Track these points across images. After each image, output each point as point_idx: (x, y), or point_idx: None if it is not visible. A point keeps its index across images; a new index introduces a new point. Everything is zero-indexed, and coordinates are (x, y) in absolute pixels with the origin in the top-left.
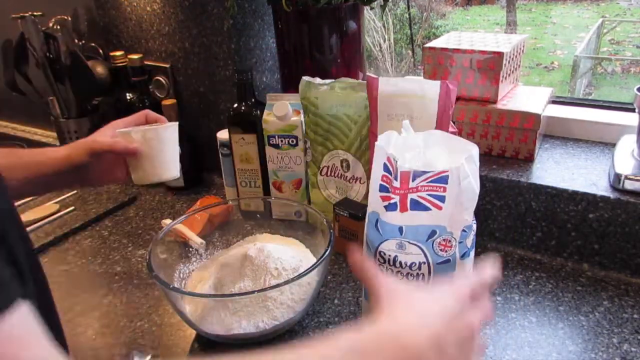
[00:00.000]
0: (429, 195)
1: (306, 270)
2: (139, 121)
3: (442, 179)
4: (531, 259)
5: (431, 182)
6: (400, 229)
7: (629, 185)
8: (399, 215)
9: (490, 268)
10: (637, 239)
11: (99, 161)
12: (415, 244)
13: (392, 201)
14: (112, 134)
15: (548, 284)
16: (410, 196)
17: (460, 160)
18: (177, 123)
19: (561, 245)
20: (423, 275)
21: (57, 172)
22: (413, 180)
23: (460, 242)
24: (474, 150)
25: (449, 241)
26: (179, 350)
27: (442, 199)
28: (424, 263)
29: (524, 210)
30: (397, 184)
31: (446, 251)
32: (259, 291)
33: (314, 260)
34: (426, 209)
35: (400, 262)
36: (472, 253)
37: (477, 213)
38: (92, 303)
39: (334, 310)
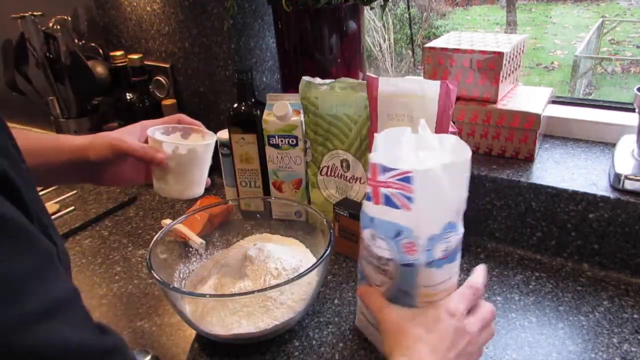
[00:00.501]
0: (400, 193)
1: (306, 270)
2: (170, 124)
3: (406, 179)
4: (531, 259)
5: (398, 180)
6: (372, 220)
7: (629, 185)
8: (374, 207)
9: (479, 277)
10: (637, 239)
11: (120, 161)
12: (383, 239)
13: (368, 190)
14: (141, 136)
15: (548, 284)
16: (382, 190)
17: (436, 164)
18: (213, 141)
19: (561, 245)
20: (390, 272)
21: (74, 160)
22: (382, 174)
23: (427, 250)
24: (461, 158)
25: (414, 245)
26: (179, 350)
27: (410, 199)
28: (391, 260)
29: (524, 210)
30: (369, 174)
31: (411, 254)
32: (259, 291)
33: (314, 260)
34: (396, 206)
35: (372, 253)
36: (449, 265)
37: (477, 213)
38: (92, 303)
39: (334, 310)
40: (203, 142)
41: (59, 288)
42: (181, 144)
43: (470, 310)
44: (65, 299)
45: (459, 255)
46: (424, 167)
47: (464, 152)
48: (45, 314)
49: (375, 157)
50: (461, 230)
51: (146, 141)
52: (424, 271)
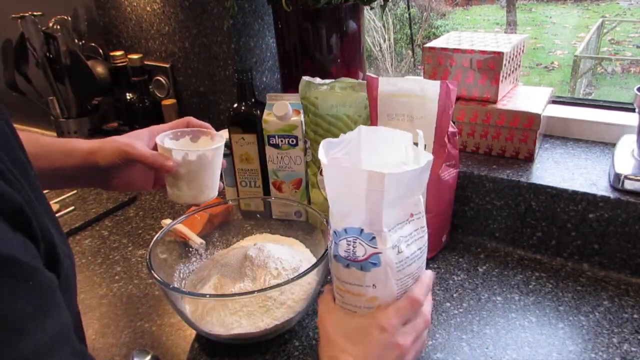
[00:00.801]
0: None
1: (306, 270)
2: (179, 128)
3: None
4: (531, 259)
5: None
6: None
7: (629, 185)
8: None
9: (421, 287)
10: (637, 239)
11: (129, 167)
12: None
13: None
14: (150, 141)
15: (548, 284)
16: None
17: (346, 165)
18: (222, 143)
19: (561, 245)
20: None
21: (83, 165)
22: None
23: (334, 242)
24: (378, 178)
25: (329, 232)
26: (179, 350)
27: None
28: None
29: (524, 210)
30: None
31: (328, 239)
32: (259, 291)
33: (314, 260)
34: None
35: None
36: (360, 272)
37: (477, 213)
38: (92, 303)
39: None
40: (212, 146)
41: (53, 327)
42: (190, 150)
43: (407, 321)
44: (57, 337)
45: (377, 271)
46: (329, 163)
47: (386, 175)
48: (40, 354)
49: (326, 140)
50: (382, 247)
51: (155, 147)
52: (333, 261)
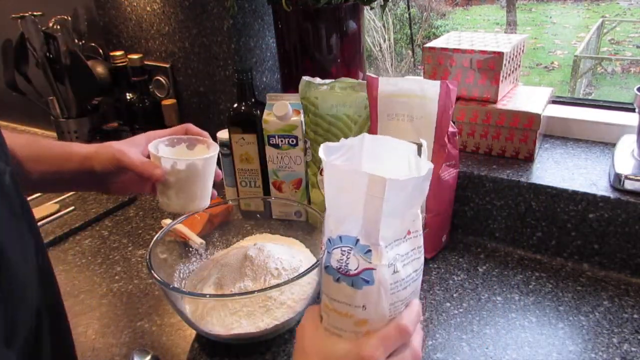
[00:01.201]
0: None
1: (306, 270)
2: (177, 135)
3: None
4: (531, 259)
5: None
6: None
7: (629, 185)
8: None
9: (410, 314)
10: (637, 239)
11: (123, 174)
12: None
13: None
14: (146, 148)
15: (548, 284)
16: None
17: (346, 167)
18: (215, 154)
19: (561, 245)
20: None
21: (81, 169)
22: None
23: (327, 252)
24: (379, 184)
25: (322, 243)
26: (179, 350)
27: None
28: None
29: (524, 210)
30: None
31: (320, 249)
32: (259, 291)
33: (314, 260)
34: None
35: None
36: (351, 289)
37: (477, 213)
38: (92, 303)
39: None
40: (202, 156)
41: None
42: (179, 159)
43: (395, 352)
44: None
45: (369, 290)
46: (330, 162)
47: (387, 180)
48: None
49: (325, 144)
50: (376, 263)
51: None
52: (324, 273)
